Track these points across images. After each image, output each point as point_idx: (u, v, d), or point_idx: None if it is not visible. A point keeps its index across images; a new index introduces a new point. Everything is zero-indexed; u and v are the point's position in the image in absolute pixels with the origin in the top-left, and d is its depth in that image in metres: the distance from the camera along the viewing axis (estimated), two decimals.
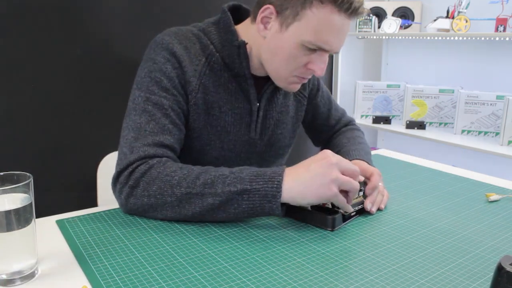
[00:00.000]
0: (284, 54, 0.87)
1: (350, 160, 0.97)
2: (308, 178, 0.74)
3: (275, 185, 0.73)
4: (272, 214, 0.76)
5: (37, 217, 0.81)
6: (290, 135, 1.08)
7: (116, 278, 0.61)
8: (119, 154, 0.85)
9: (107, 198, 1.20)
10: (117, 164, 0.83)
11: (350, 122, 1.21)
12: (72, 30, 1.38)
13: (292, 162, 0.86)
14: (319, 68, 0.88)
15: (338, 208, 0.80)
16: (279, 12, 0.85)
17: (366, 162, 0.96)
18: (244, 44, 0.91)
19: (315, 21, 0.82)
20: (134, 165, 0.80)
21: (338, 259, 0.67)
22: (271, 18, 0.87)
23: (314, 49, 0.85)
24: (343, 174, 0.75)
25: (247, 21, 0.95)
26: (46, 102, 1.36)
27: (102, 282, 0.60)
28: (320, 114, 1.16)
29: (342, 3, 0.81)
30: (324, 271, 0.64)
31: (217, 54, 0.93)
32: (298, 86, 0.94)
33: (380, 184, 0.90)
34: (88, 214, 0.83)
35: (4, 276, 0.60)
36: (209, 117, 0.93)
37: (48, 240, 0.73)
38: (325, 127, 1.18)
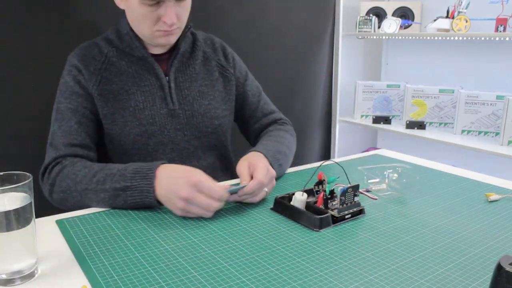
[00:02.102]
0: (137, 17, 1.00)
1: (248, 152, 0.99)
2: (168, 186, 0.82)
3: (148, 182, 0.83)
4: (153, 206, 0.85)
5: (37, 217, 0.81)
6: (223, 107, 1.15)
7: (116, 278, 0.61)
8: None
9: None
10: (41, 168, 0.98)
11: (280, 120, 1.23)
12: (73, 30, 1.38)
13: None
14: (168, 17, 0.98)
15: (329, 208, 0.80)
16: None
17: (263, 155, 0.97)
18: (131, 29, 1.06)
19: None
20: (50, 167, 0.96)
21: (338, 259, 0.67)
22: None
23: (155, 3, 0.96)
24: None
25: None
26: (46, 102, 1.36)
27: (102, 282, 0.60)
28: (248, 104, 1.22)
29: None
30: (324, 271, 0.64)
31: (114, 49, 1.07)
32: (169, 39, 1.04)
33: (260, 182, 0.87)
34: (88, 214, 0.83)
35: (4, 276, 0.60)
36: (119, 103, 1.04)
37: (48, 240, 0.73)
38: (253, 119, 1.22)
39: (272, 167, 0.95)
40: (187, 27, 1.11)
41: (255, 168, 0.89)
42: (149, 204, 0.85)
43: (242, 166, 0.91)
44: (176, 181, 0.81)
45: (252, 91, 1.22)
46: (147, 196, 0.83)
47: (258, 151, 0.98)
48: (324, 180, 0.87)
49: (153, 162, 0.88)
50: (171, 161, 1.06)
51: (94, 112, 1.03)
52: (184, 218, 0.81)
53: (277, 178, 1.02)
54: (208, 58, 1.16)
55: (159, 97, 1.06)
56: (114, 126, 1.03)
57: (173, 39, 1.05)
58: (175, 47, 1.11)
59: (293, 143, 1.16)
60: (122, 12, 1.09)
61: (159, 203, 0.85)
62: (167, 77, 1.08)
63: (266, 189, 0.89)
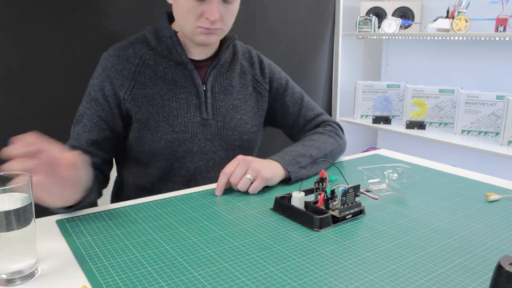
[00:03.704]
0: (182, 11, 0.99)
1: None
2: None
3: None
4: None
5: (37, 217, 0.81)
6: (253, 123, 1.15)
7: (116, 278, 0.61)
8: None
9: (107, 198, 1.21)
10: None
11: (323, 123, 1.22)
12: (72, 30, 1.38)
13: None
14: (210, 14, 0.97)
15: (330, 209, 0.81)
16: None
17: (274, 160, 1.02)
18: (174, 33, 1.04)
19: None
20: None
21: (338, 259, 0.67)
22: None
23: None
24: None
25: None
26: (46, 102, 1.36)
27: (102, 282, 0.60)
28: (290, 114, 1.21)
29: None
30: (324, 271, 0.64)
31: (151, 52, 1.05)
32: (209, 38, 1.02)
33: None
34: (88, 214, 0.83)
35: (4, 276, 0.60)
36: (153, 107, 1.03)
37: (48, 240, 0.73)
38: (296, 128, 1.22)
39: (287, 170, 0.98)
40: (231, 38, 1.11)
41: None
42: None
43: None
44: None
45: (292, 100, 1.21)
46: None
47: (271, 159, 1.01)
48: (325, 178, 0.87)
49: None
50: (197, 169, 1.07)
51: (108, 120, 1.02)
52: (184, 217, 0.81)
53: (308, 178, 1.03)
54: (244, 72, 1.16)
55: (194, 105, 1.06)
56: (146, 131, 1.03)
57: (213, 40, 1.03)
58: (215, 56, 1.10)
59: (330, 143, 1.13)
60: (162, 13, 1.08)
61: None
62: (204, 86, 1.07)
63: (249, 176, 0.93)
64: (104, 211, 0.85)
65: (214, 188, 0.96)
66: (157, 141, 1.03)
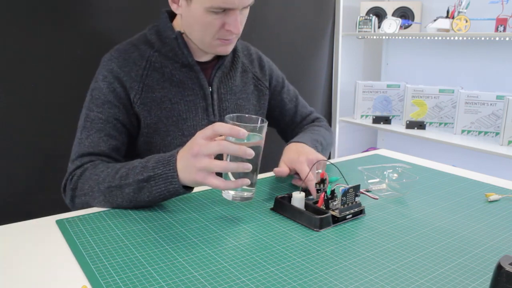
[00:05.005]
0: (199, 24, 0.95)
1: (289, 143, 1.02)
2: (184, 166, 0.79)
3: (171, 167, 0.80)
4: (178, 194, 0.82)
5: (37, 217, 0.82)
6: None
7: (116, 278, 0.61)
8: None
9: None
10: (64, 179, 0.95)
11: (316, 119, 1.26)
12: (72, 30, 1.38)
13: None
14: (234, 26, 0.94)
15: (330, 209, 0.81)
16: None
17: (304, 143, 1.00)
18: (180, 34, 1.01)
19: None
20: (73, 173, 0.92)
21: (338, 259, 0.67)
22: None
23: (221, 11, 0.92)
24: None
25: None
26: (46, 102, 1.36)
27: (102, 282, 0.60)
28: (287, 111, 1.23)
29: None
30: (324, 271, 0.64)
31: (156, 54, 1.02)
32: (227, 48, 1.01)
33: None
34: (88, 214, 0.83)
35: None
36: (162, 111, 1.01)
37: (48, 240, 0.73)
38: (293, 124, 1.25)
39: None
40: None
41: (295, 165, 0.91)
42: (174, 191, 0.81)
43: (283, 167, 0.94)
44: (187, 148, 0.79)
45: (289, 97, 1.23)
46: (171, 182, 0.80)
47: (295, 141, 1.00)
48: (325, 179, 0.87)
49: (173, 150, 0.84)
50: None
51: (125, 122, 0.99)
52: (184, 217, 0.81)
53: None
54: (245, 70, 1.15)
55: (201, 107, 1.04)
56: (156, 136, 1.01)
57: (231, 48, 1.02)
58: (219, 56, 1.08)
59: (328, 135, 1.17)
60: (162, 12, 1.05)
61: (187, 189, 0.82)
62: (210, 88, 1.06)
63: (320, 170, 0.91)
64: (104, 211, 0.85)
65: (213, 188, 0.96)
66: (167, 145, 1.01)
